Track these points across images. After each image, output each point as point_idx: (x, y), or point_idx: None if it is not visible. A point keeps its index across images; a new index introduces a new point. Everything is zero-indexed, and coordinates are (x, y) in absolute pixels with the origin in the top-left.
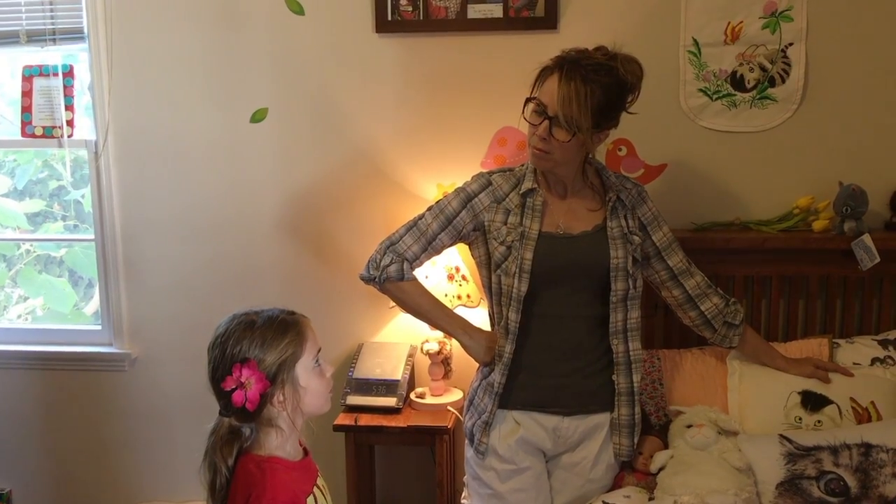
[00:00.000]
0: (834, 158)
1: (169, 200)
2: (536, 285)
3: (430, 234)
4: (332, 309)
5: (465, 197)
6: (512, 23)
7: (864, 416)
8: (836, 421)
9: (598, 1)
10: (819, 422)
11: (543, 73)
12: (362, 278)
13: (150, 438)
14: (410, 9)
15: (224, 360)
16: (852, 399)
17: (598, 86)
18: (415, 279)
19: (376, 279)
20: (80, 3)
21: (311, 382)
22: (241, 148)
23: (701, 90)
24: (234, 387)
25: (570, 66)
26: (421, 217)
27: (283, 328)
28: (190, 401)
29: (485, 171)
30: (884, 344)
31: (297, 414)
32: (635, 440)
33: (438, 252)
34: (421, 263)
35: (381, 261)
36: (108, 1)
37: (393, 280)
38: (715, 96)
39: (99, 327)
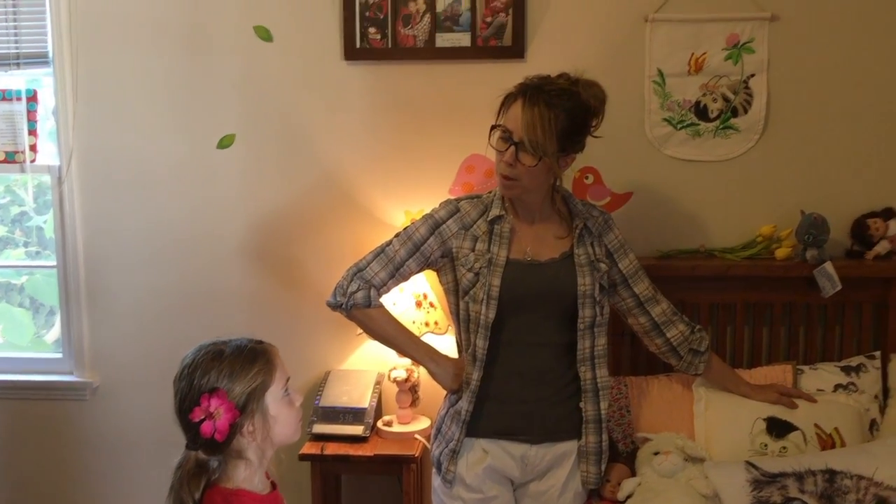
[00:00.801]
0: (796, 187)
1: (133, 227)
2: (504, 312)
3: (397, 261)
4: (298, 336)
5: (433, 223)
6: (480, 51)
7: (828, 442)
8: (801, 447)
9: (564, 31)
10: (784, 448)
11: (507, 100)
12: (329, 305)
13: (111, 469)
14: (379, 37)
15: (192, 390)
16: (816, 425)
17: (562, 110)
18: (382, 306)
19: (343, 306)
20: (45, 27)
21: (280, 412)
22: (207, 174)
23: (665, 119)
24: (202, 417)
25: (532, 91)
26: (388, 243)
27: (252, 357)
28: (153, 431)
29: (453, 197)
30: (846, 370)
31: (266, 444)
32: (603, 468)
33: (406, 279)
34: (388, 290)
35: (348, 287)
36: (73, 25)
37: (360, 307)
38: (679, 126)
39: (60, 355)
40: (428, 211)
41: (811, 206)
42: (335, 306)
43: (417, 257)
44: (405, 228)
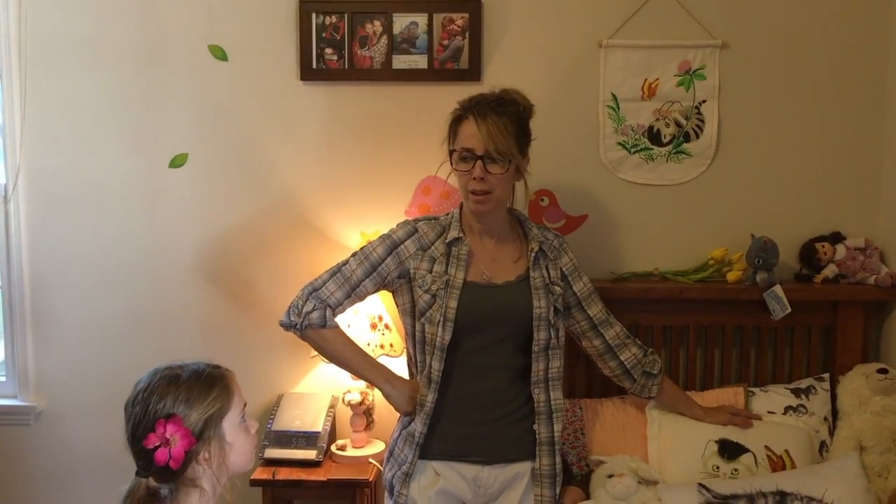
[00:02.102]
0: (746, 211)
1: (82, 247)
2: (459, 334)
3: (354, 281)
4: (251, 359)
5: (391, 244)
6: (437, 74)
7: (778, 464)
8: (752, 469)
9: (520, 54)
10: (736, 470)
11: (455, 123)
12: (282, 325)
13: (55, 496)
14: (336, 57)
15: (146, 416)
16: (767, 447)
17: (508, 116)
18: (337, 326)
19: (297, 325)
20: None
21: (237, 439)
22: (159, 194)
23: (620, 143)
24: (157, 444)
25: (478, 107)
26: (345, 263)
27: (210, 383)
28: (98, 457)
29: (410, 218)
30: (796, 392)
31: (221, 472)
32: (557, 490)
33: (362, 299)
34: (344, 310)
35: (302, 307)
36: (22, 42)
37: (314, 327)
38: (633, 150)
39: (3, 378)
40: (384, 232)
41: (761, 229)
42: (289, 326)
43: (374, 277)
44: (362, 248)
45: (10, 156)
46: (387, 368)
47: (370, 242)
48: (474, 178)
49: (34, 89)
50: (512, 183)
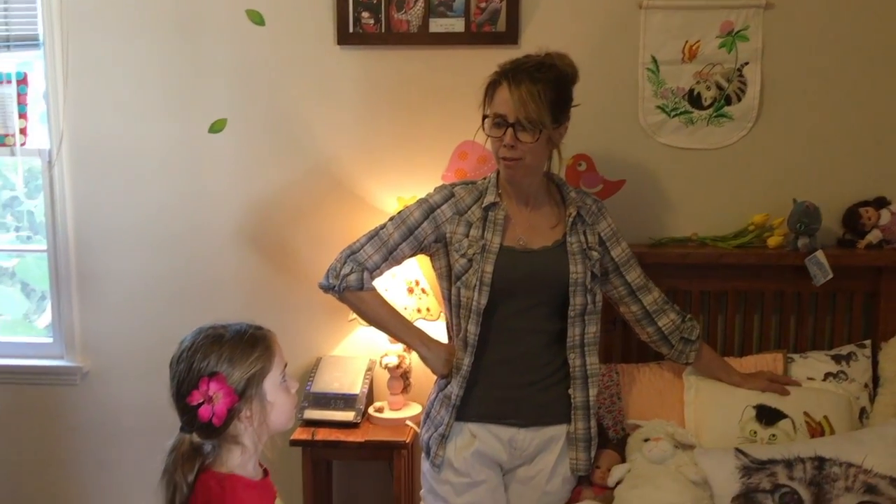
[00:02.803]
0: (788, 176)
1: (124, 211)
2: (496, 298)
3: (391, 244)
4: (290, 322)
5: (428, 208)
6: (474, 37)
7: (817, 430)
8: (791, 435)
9: (559, 17)
10: (773, 436)
11: (490, 89)
12: (321, 287)
13: (101, 454)
14: (372, 22)
15: (191, 373)
16: (806, 413)
17: (546, 82)
18: (374, 289)
19: (335, 288)
20: (36, 9)
21: (277, 398)
22: (199, 158)
23: (659, 107)
24: (201, 401)
25: (513, 72)
26: (382, 227)
27: (252, 343)
28: (143, 416)
29: (447, 183)
30: (837, 359)
31: (262, 430)
32: (592, 454)
33: (399, 262)
34: (381, 273)
35: (340, 269)
36: (63, 8)
37: (352, 289)
38: (673, 113)
39: (50, 340)
40: (421, 196)
41: (803, 194)
42: (327, 288)
43: (411, 241)
44: (399, 212)
45: (54, 122)
46: (423, 331)
47: (407, 207)
48: (505, 145)
49: (76, 56)
50: (546, 150)
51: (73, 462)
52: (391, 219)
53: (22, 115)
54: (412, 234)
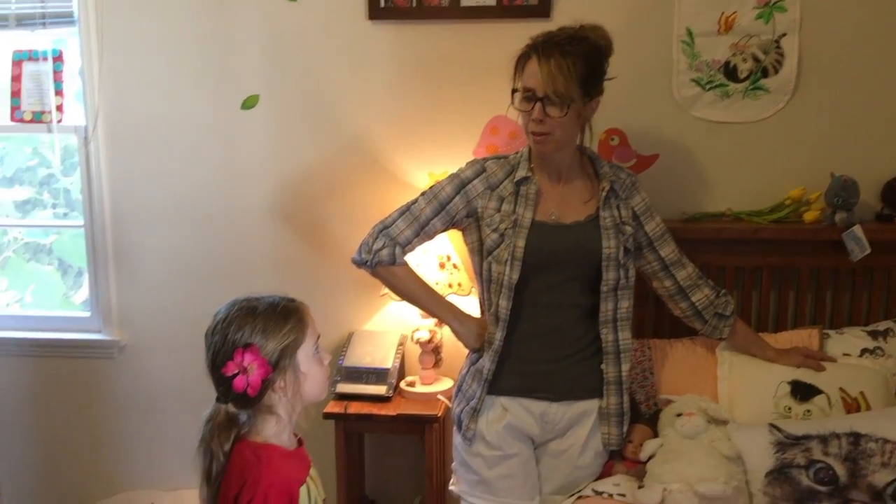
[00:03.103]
0: (826, 149)
1: (159, 187)
2: (527, 273)
3: (423, 219)
4: (322, 297)
5: (460, 183)
6: (505, 11)
7: (853, 406)
8: (826, 411)
9: None
10: (808, 411)
11: (520, 62)
12: (354, 262)
13: (138, 426)
14: None
15: (225, 345)
16: (842, 389)
17: (577, 56)
18: (406, 264)
19: (368, 263)
20: None
21: (311, 369)
22: (232, 134)
23: (694, 80)
24: (235, 372)
25: (544, 46)
26: (414, 202)
27: (285, 314)
28: (179, 388)
29: (479, 157)
30: (873, 335)
31: (296, 400)
32: (624, 429)
33: (431, 237)
34: (413, 248)
35: (373, 244)
36: None
37: (384, 264)
38: (708, 86)
39: (88, 314)
40: (453, 171)
41: (841, 168)
42: (360, 263)
43: (443, 216)
44: (431, 187)
45: (90, 98)
46: (455, 306)
47: (439, 182)
48: (533, 120)
49: (110, 33)
50: (576, 125)
51: (112, 433)
52: (423, 194)
53: (58, 93)
54: (444, 208)
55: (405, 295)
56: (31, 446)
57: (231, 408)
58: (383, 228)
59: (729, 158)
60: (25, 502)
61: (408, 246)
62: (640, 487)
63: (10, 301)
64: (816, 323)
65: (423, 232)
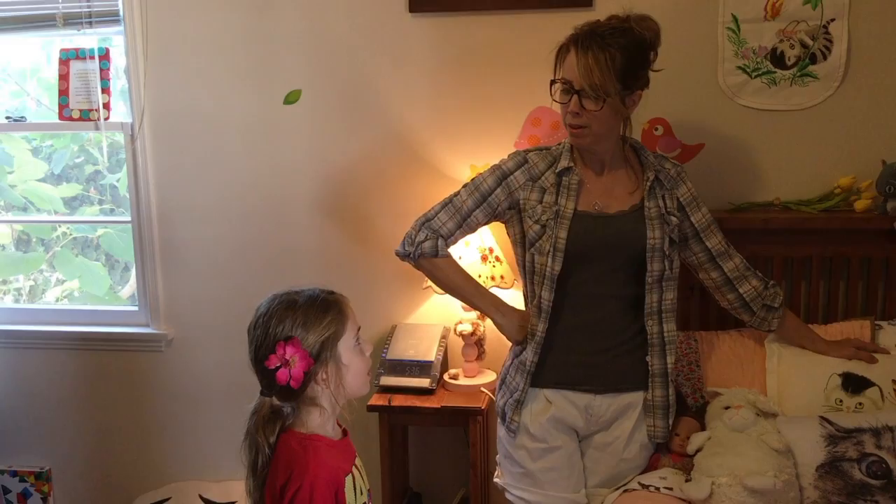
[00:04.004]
0: (877, 137)
1: (204, 183)
2: (570, 264)
3: (465, 211)
4: (366, 290)
5: (501, 174)
6: (547, 1)
7: None
8: (878, 403)
9: None
10: (860, 404)
11: (561, 53)
12: (397, 254)
13: (185, 418)
14: None
15: (267, 339)
16: (894, 382)
17: (617, 48)
18: (449, 256)
19: (411, 255)
20: None
21: (352, 361)
22: (275, 130)
23: (740, 68)
24: (278, 365)
25: (583, 38)
26: (456, 194)
27: (325, 307)
28: (225, 381)
29: (521, 149)
30: None
31: (339, 392)
32: (670, 421)
33: (473, 230)
34: (456, 241)
35: (416, 237)
36: None
37: (427, 256)
38: (754, 74)
39: (136, 308)
40: (494, 163)
41: (893, 155)
42: (404, 256)
43: (485, 208)
44: (473, 179)
45: (136, 96)
46: (498, 298)
47: (480, 174)
48: (570, 112)
49: (154, 31)
50: (615, 117)
51: (160, 425)
52: (465, 186)
53: (105, 90)
54: (486, 200)
55: (448, 287)
56: (81, 438)
57: (275, 400)
58: (426, 221)
59: (777, 147)
60: (76, 493)
61: (450, 238)
62: (687, 481)
63: (58, 295)
64: (868, 314)
65: (466, 224)
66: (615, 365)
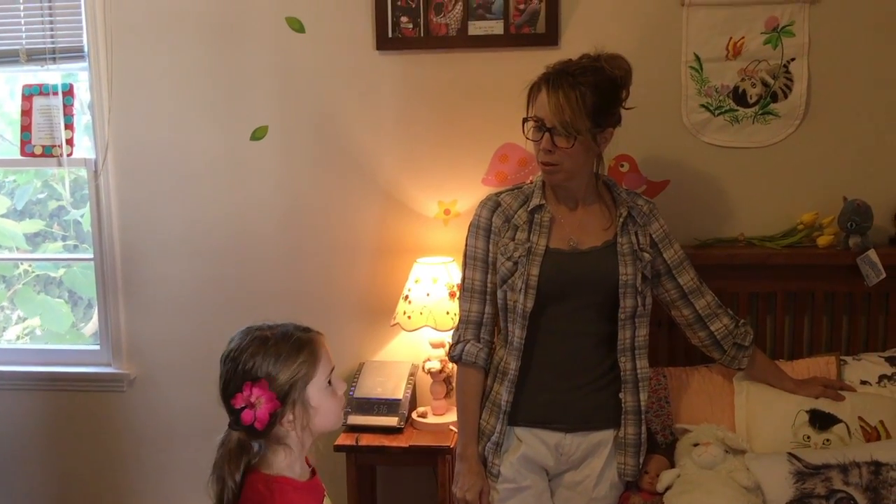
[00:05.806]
0: (838, 173)
1: (169, 219)
2: (543, 301)
3: (479, 287)
4: (333, 327)
5: (485, 231)
6: (513, 39)
7: (872, 434)
8: (845, 440)
9: (599, 16)
10: (828, 440)
11: (533, 91)
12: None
13: (149, 458)
14: (411, 26)
15: (236, 374)
16: (860, 418)
17: (587, 87)
18: (475, 367)
19: (452, 359)
20: (81, 21)
21: (322, 403)
22: (241, 166)
23: (703, 105)
24: (243, 405)
25: (554, 76)
26: (463, 279)
27: (298, 347)
28: (188, 421)
29: (492, 193)
30: (891, 361)
31: (306, 434)
32: (641, 459)
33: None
34: (492, 317)
35: (454, 341)
36: (108, 19)
37: (454, 359)
38: (717, 112)
39: (97, 347)
40: (466, 210)
41: (854, 192)
42: (450, 359)
43: (492, 271)
44: (465, 254)
45: (100, 131)
46: (474, 448)
47: (467, 244)
48: (542, 150)
49: (119, 66)
50: (586, 154)
51: (122, 467)
52: (464, 266)
53: (68, 126)
54: (488, 263)
55: (457, 400)
56: (43, 479)
57: (242, 436)
58: (459, 321)
59: (740, 183)
60: None
61: (484, 317)
62: None
63: (19, 333)
64: (832, 348)
65: (489, 296)
66: (587, 402)
